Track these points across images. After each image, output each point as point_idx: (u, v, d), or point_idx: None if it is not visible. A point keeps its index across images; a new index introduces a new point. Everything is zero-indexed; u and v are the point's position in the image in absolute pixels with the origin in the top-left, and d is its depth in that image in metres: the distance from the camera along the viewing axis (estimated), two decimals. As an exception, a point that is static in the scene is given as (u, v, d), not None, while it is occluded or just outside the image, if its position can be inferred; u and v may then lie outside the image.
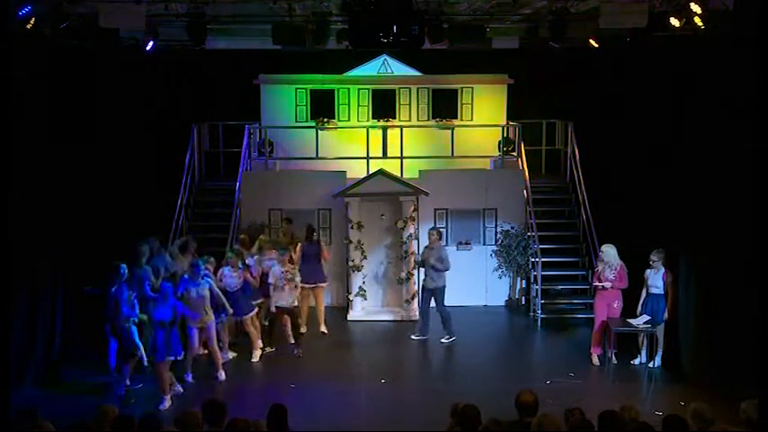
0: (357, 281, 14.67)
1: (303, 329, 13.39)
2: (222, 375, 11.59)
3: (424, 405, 10.58)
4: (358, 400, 10.93)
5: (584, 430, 6.54)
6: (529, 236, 15.12)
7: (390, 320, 14.54)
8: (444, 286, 13.40)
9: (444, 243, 15.38)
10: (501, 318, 15.07)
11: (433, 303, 13.42)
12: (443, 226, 15.43)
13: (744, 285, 10.09)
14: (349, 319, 14.61)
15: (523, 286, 15.54)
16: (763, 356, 8.12)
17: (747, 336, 9.89)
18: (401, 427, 9.79)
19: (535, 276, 14.69)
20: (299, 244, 13.81)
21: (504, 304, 15.61)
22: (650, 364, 11.91)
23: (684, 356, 11.61)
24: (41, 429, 6.58)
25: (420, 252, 14.08)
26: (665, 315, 11.78)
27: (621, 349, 12.25)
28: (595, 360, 12.25)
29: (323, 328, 13.77)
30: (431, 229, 13.75)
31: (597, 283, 12.21)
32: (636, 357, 12.21)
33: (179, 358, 10.83)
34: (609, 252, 12.19)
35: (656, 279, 11.90)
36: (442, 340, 13.30)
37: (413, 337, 13.49)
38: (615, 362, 12.04)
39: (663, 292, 11.83)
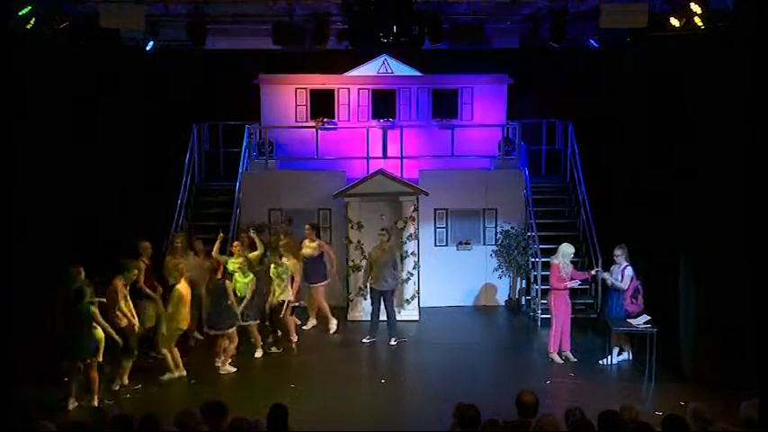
0: (357, 281, 14.67)
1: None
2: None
3: (424, 405, 10.59)
4: (358, 400, 10.94)
5: (585, 430, 6.54)
6: (529, 236, 15.11)
7: (390, 320, 14.52)
8: (394, 289, 13.48)
9: (444, 243, 15.49)
10: (501, 318, 15.06)
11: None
12: (443, 226, 15.44)
13: (744, 285, 10.09)
14: (349, 319, 14.61)
15: (523, 286, 15.52)
16: (763, 356, 8.11)
17: (747, 336, 9.90)
18: (401, 427, 9.80)
19: (535, 276, 14.68)
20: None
21: (504, 304, 15.61)
22: (613, 360, 12.10)
23: (684, 356, 11.60)
24: (41, 429, 6.57)
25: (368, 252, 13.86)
26: (627, 310, 11.92)
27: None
28: (557, 358, 12.24)
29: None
30: (380, 229, 13.63)
31: (574, 283, 12.28)
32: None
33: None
34: (570, 251, 12.29)
35: (615, 274, 12.02)
36: (391, 342, 13.23)
37: (364, 341, 13.39)
38: (612, 362, 12.12)
39: (624, 288, 11.95)
